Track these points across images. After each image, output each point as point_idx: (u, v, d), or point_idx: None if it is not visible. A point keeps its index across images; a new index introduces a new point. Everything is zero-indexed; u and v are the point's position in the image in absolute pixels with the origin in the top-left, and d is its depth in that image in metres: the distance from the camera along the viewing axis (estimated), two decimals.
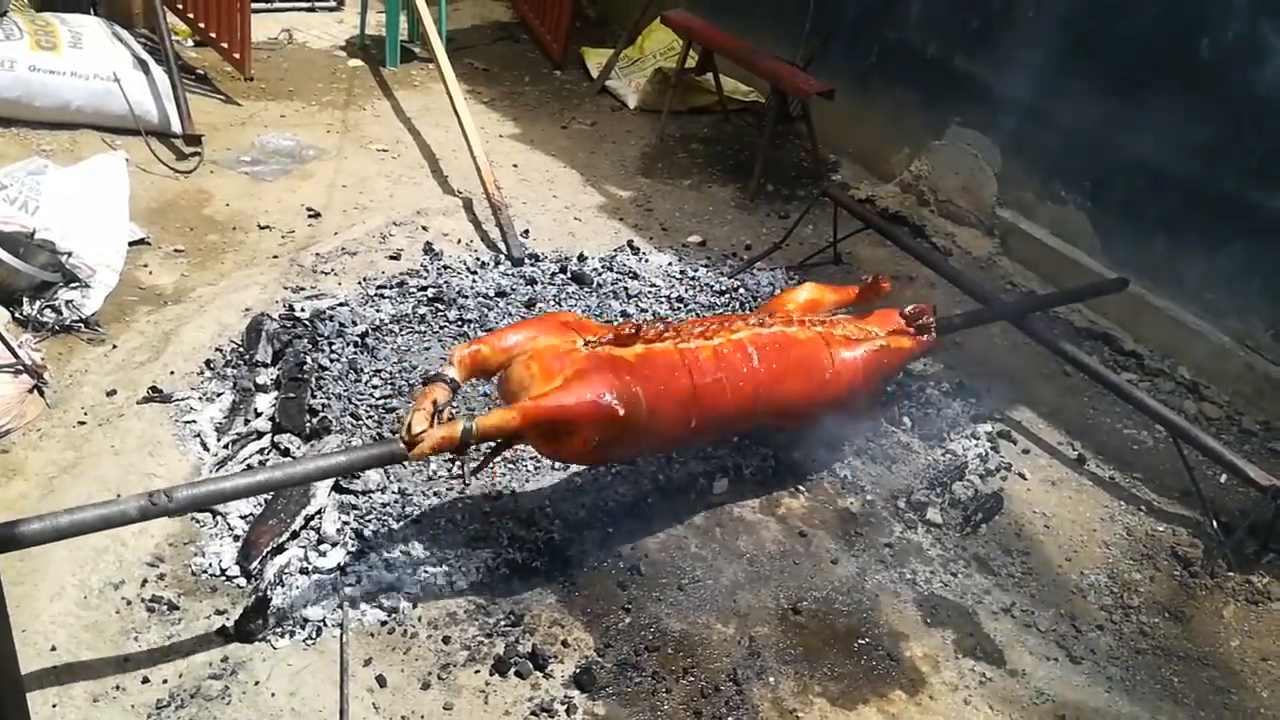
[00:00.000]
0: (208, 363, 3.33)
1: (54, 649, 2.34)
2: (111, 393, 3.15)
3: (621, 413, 2.46)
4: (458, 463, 2.93)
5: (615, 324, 2.85)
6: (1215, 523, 3.17)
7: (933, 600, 2.85)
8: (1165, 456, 3.50)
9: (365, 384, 3.26)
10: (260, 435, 2.99)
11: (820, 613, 2.75)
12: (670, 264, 4.33)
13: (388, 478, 2.91)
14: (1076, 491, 3.36)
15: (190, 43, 5.84)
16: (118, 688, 2.28)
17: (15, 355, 3.01)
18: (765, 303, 3.18)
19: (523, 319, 2.57)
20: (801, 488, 3.18)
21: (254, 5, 5.68)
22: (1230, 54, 3.72)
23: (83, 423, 3.03)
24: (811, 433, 3.17)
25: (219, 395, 3.19)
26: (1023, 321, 3.68)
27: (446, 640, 2.50)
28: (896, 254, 4.53)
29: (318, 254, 4.05)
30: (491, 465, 2.72)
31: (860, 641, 2.68)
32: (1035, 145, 4.52)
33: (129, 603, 2.48)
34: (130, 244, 3.85)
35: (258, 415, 3.06)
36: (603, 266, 4.17)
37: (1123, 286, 3.93)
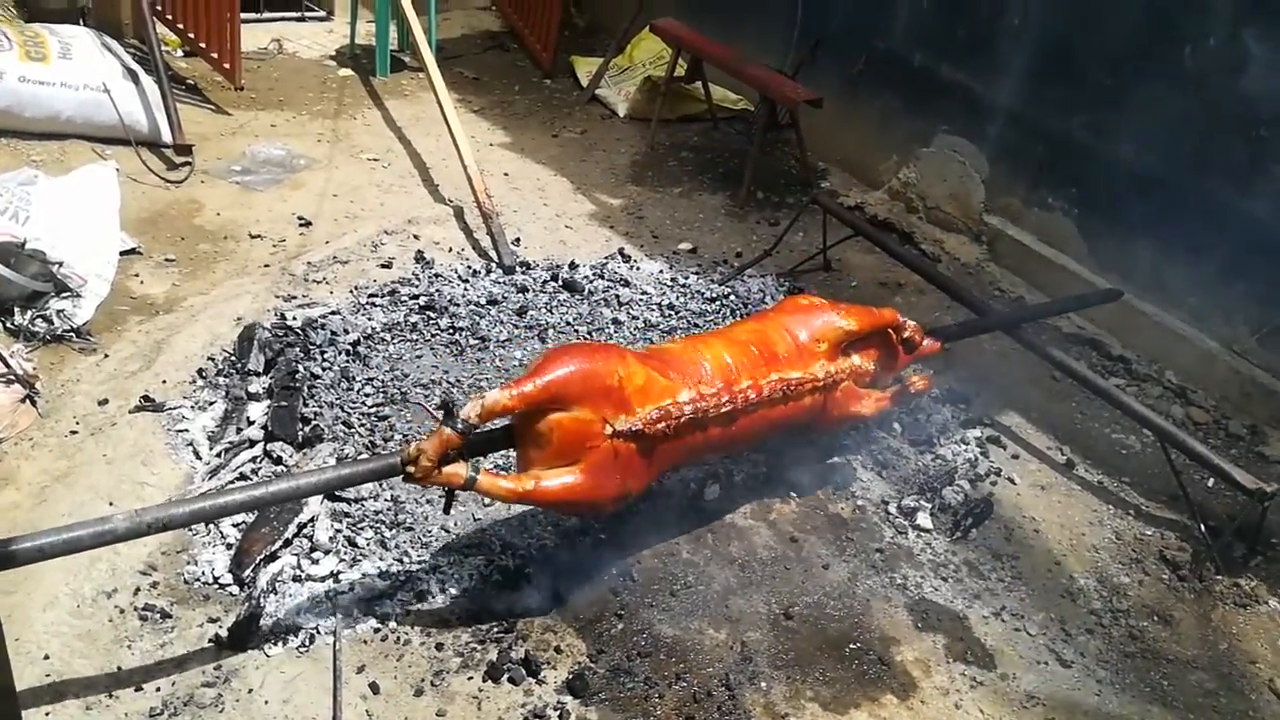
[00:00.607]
0: (200, 372, 3.33)
1: (47, 658, 2.34)
2: (103, 402, 3.15)
3: (606, 359, 2.50)
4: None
5: (653, 362, 2.68)
6: (1203, 526, 3.19)
7: (923, 605, 2.87)
8: (1153, 461, 3.53)
9: (357, 392, 3.27)
10: (252, 444, 2.99)
11: (812, 618, 2.77)
12: (661, 271, 4.35)
13: (380, 485, 2.91)
14: (1066, 496, 3.39)
15: (180, 53, 5.85)
16: (111, 696, 2.28)
17: (7, 365, 3.01)
18: (775, 310, 3.12)
19: (566, 370, 2.40)
20: (793, 494, 3.19)
21: (244, 15, 5.69)
22: (1212, 61, 3.77)
23: (75, 432, 3.03)
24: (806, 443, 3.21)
25: (211, 404, 3.19)
26: (1013, 327, 3.71)
27: (439, 647, 2.51)
28: (885, 261, 4.56)
29: (309, 263, 4.06)
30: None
31: (852, 646, 2.70)
32: (1022, 152, 4.56)
33: (122, 611, 2.48)
34: (121, 254, 3.85)
35: (250, 424, 3.06)
36: (594, 274, 4.19)
37: (1116, 298, 3.97)
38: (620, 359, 2.52)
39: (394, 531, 2.78)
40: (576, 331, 3.79)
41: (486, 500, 2.93)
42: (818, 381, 2.89)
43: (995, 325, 3.75)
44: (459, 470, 2.31)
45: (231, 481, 2.86)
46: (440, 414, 2.29)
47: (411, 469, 2.26)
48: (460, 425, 2.28)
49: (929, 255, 4.83)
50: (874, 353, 3.10)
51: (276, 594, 2.54)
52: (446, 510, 2.46)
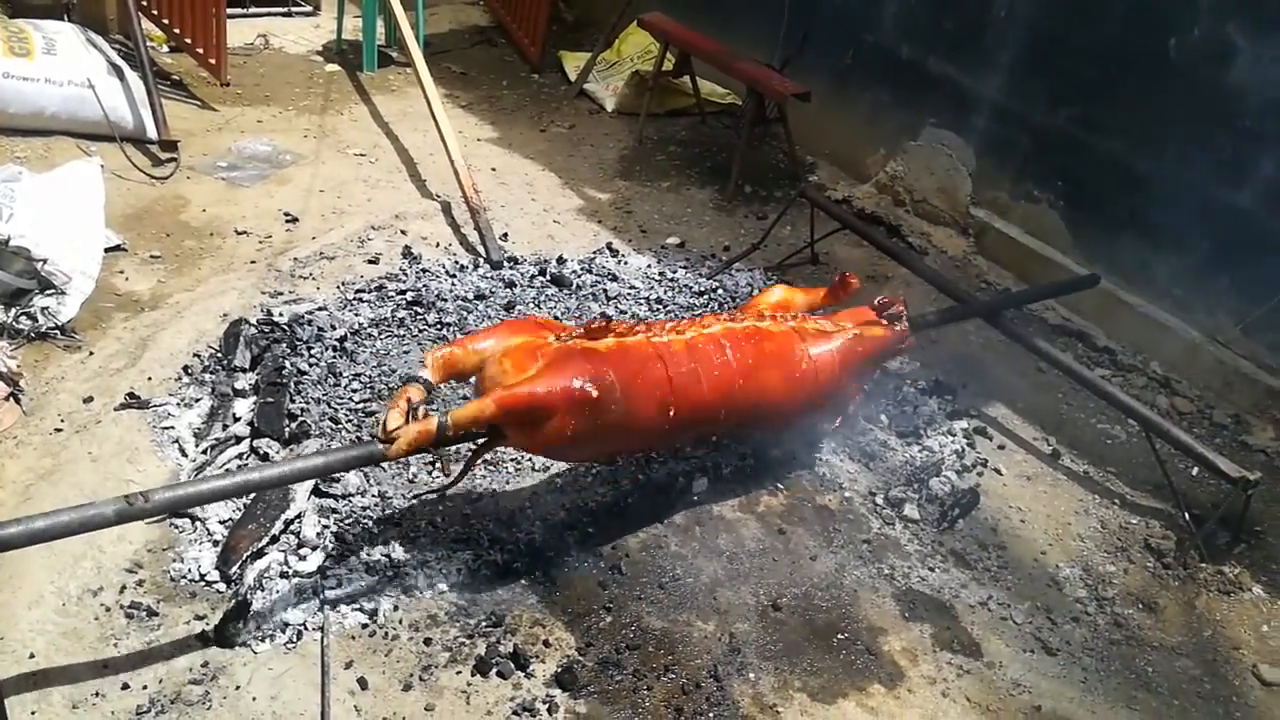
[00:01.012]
0: (185, 368, 3.32)
1: (32, 656, 2.33)
2: (88, 399, 3.14)
3: (596, 394, 2.47)
4: (438, 465, 2.93)
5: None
6: (1187, 515, 3.21)
7: (910, 595, 2.88)
8: (1138, 450, 3.55)
9: (344, 388, 3.26)
10: (239, 440, 2.98)
11: (800, 609, 2.78)
12: (649, 266, 4.35)
13: (367, 480, 2.91)
14: (1051, 486, 3.40)
15: (165, 48, 5.82)
16: (97, 694, 2.28)
17: None
18: (740, 305, 3.18)
19: (499, 322, 2.55)
20: (780, 486, 3.20)
21: (229, 10, 5.66)
22: (1197, 53, 3.78)
23: (59, 430, 3.02)
24: (794, 433, 3.20)
25: (197, 401, 3.18)
26: (997, 318, 3.73)
27: (428, 642, 2.51)
28: (873, 254, 4.57)
29: (295, 259, 4.05)
30: (473, 469, 2.72)
31: (839, 636, 2.71)
32: (1008, 145, 4.58)
33: (108, 609, 2.48)
34: (106, 250, 3.83)
35: (236, 420, 3.06)
36: (582, 269, 4.19)
37: (1094, 283, 3.99)
38: (549, 320, 2.66)
39: (381, 527, 2.78)
40: None
41: (474, 494, 2.93)
42: (761, 315, 2.96)
43: (974, 312, 3.76)
44: (429, 421, 2.34)
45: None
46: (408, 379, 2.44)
47: (382, 435, 2.31)
48: (422, 380, 2.41)
49: (916, 248, 4.84)
50: (843, 315, 3.16)
51: (264, 590, 2.54)
52: (450, 481, 2.60)
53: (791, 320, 3.01)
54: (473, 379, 2.60)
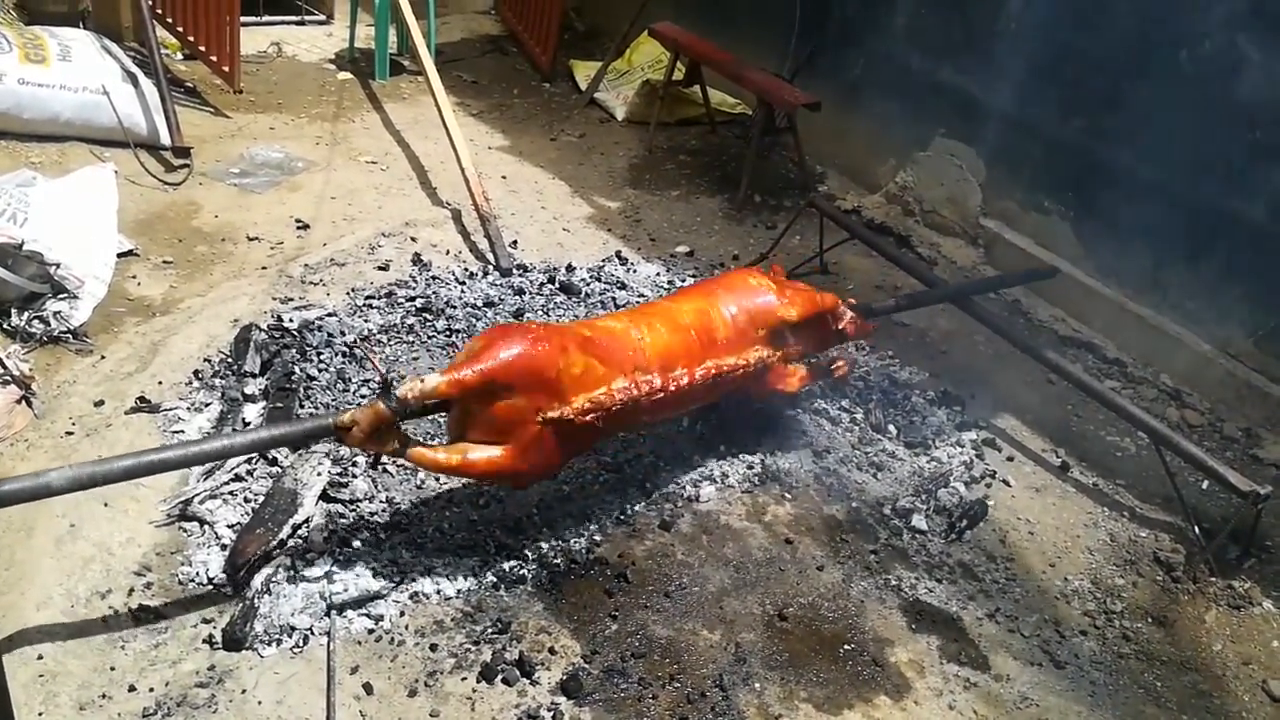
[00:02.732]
0: (196, 373, 3.34)
1: (40, 658, 2.34)
2: (99, 403, 3.16)
3: (548, 350, 2.51)
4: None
5: None
6: (1197, 528, 3.20)
7: (918, 606, 2.87)
8: (1148, 463, 3.53)
9: (353, 394, 3.27)
10: None
11: (806, 619, 2.77)
12: (658, 274, 4.36)
13: (376, 487, 2.92)
14: (1060, 498, 3.39)
15: (180, 56, 5.86)
16: (104, 696, 2.28)
17: (3, 366, 3.02)
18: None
19: (505, 357, 2.50)
20: (788, 495, 3.20)
21: (243, 19, 5.71)
22: (1209, 65, 3.77)
23: (70, 433, 3.04)
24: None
25: (207, 405, 3.20)
26: (966, 303, 3.82)
27: (434, 648, 2.51)
28: (882, 264, 4.57)
29: (306, 265, 4.07)
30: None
31: (846, 647, 2.70)
32: (1019, 156, 4.57)
33: (116, 612, 2.49)
34: (119, 255, 3.86)
35: (246, 425, 3.07)
36: (591, 277, 4.19)
37: (1052, 275, 4.21)
38: (561, 350, 2.57)
39: (388, 533, 2.79)
40: None
41: (482, 501, 2.94)
42: (749, 368, 3.01)
43: (941, 298, 3.93)
44: (377, 403, 2.38)
45: (227, 483, 2.86)
46: (379, 389, 2.40)
47: (344, 435, 2.35)
48: (395, 404, 2.37)
49: (925, 259, 4.84)
50: (809, 334, 3.21)
51: (271, 595, 2.54)
52: (374, 467, 2.67)
53: (770, 357, 3.07)
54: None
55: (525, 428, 2.52)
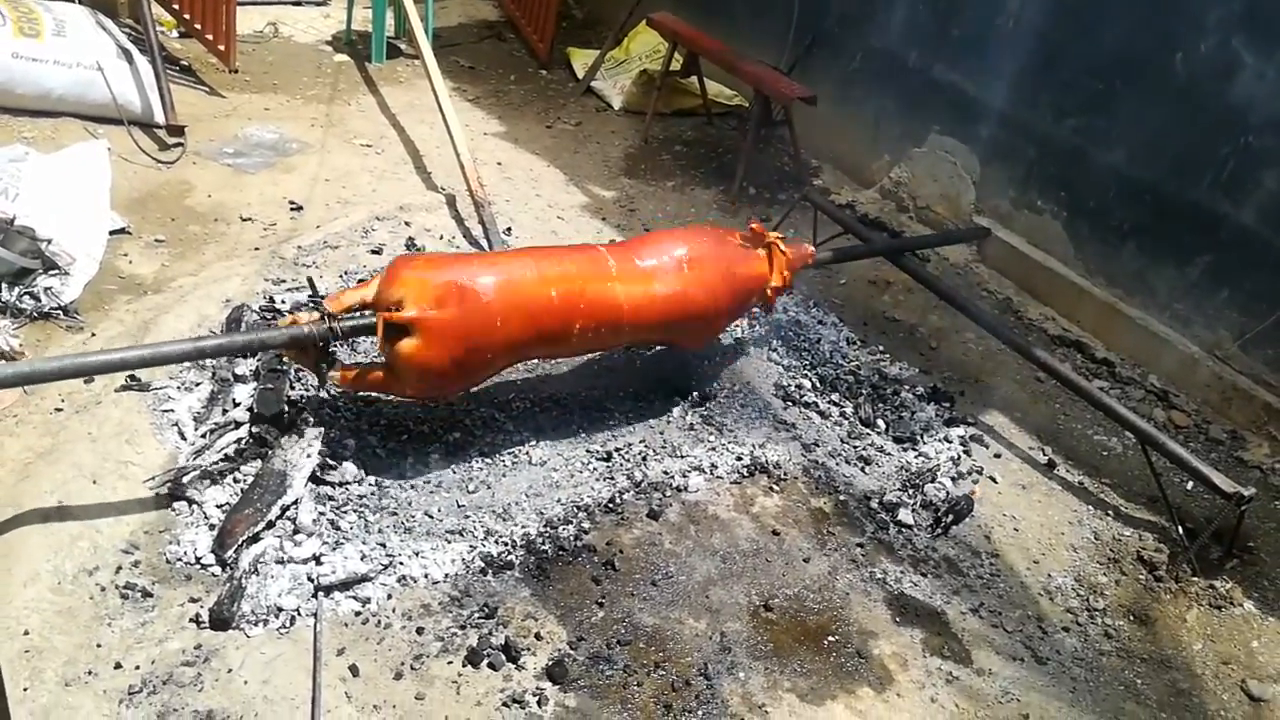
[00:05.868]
0: None
1: (27, 633, 2.34)
2: (89, 380, 3.14)
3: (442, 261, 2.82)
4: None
5: None
6: (1181, 528, 3.23)
7: (902, 599, 2.89)
8: (1134, 463, 3.56)
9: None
10: (238, 425, 2.98)
11: (791, 610, 2.79)
12: None
13: (365, 470, 2.92)
14: (1046, 495, 3.41)
15: (175, 34, 5.83)
16: (90, 672, 2.28)
17: None
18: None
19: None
20: (776, 487, 3.21)
21: None
22: (1202, 68, 3.79)
23: (60, 410, 3.03)
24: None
25: (197, 385, 3.19)
26: (899, 258, 4.06)
27: (420, 631, 2.52)
28: (875, 259, 4.57)
29: (299, 247, 4.06)
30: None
31: (830, 639, 2.72)
32: (1012, 154, 4.59)
33: (103, 589, 2.49)
34: (111, 233, 3.84)
35: (236, 405, 3.06)
36: None
37: (985, 235, 4.61)
38: (452, 262, 2.89)
39: (377, 515, 2.79)
40: None
41: (471, 487, 2.94)
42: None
43: (875, 252, 4.18)
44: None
45: (217, 463, 2.86)
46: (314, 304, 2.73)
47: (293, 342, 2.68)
48: (326, 315, 2.73)
49: (919, 256, 4.84)
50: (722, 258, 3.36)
51: (258, 575, 2.55)
52: (321, 385, 2.90)
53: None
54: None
55: (425, 326, 2.73)
